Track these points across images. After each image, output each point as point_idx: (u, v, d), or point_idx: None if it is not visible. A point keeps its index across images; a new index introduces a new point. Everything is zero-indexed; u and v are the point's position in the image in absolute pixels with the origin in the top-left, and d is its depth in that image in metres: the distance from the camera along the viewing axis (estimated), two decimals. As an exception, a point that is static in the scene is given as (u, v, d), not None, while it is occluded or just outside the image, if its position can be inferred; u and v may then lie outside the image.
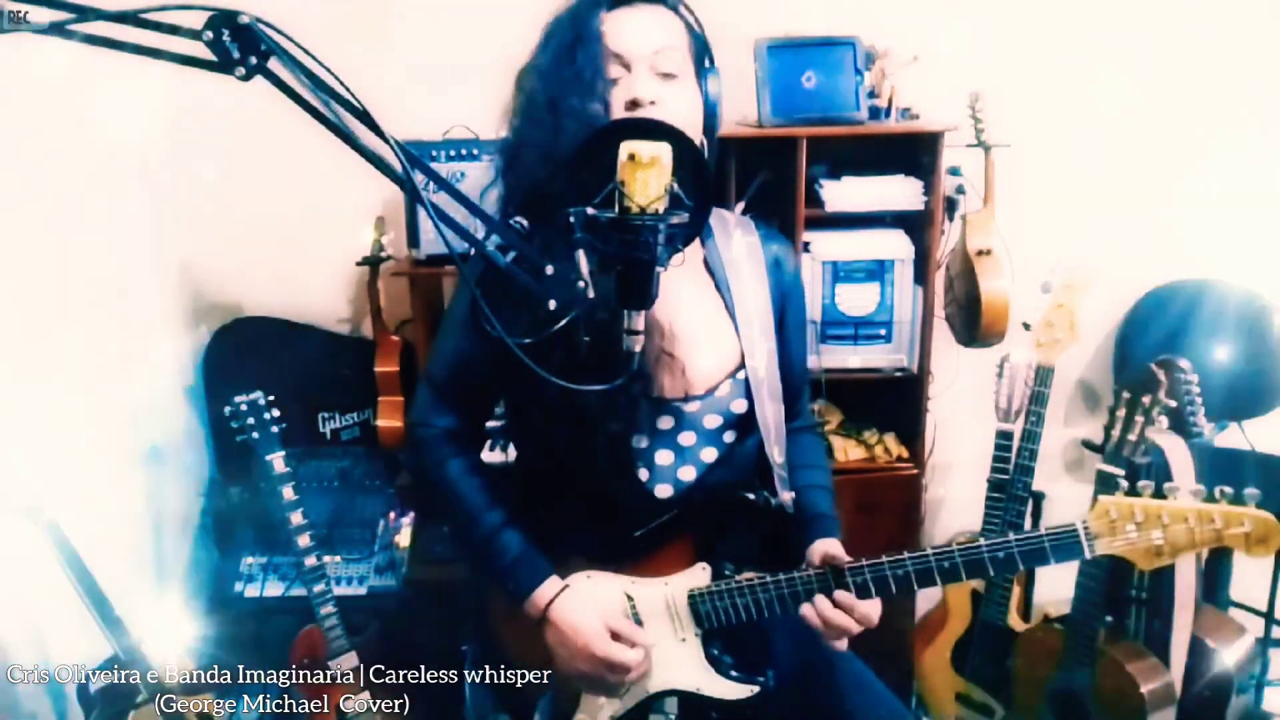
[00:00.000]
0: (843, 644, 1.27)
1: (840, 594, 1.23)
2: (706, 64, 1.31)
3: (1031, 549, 1.17)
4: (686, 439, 1.35)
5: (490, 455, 2.25)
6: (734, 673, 1.32)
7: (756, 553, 1.41)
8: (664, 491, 1.35)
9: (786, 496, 1.37)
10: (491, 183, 1.31)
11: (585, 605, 1.30)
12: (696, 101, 1.29)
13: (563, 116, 1.21)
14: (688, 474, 1.36)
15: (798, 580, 1.26)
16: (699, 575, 1.31)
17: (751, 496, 1.32)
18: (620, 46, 1.24)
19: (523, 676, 1.38)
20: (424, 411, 1.41)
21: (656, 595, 1.32)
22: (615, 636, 1.28)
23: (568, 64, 1.22)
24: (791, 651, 1.38)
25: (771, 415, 1.37)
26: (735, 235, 1.43)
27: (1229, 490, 1.10)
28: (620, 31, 1.25)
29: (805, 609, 1.25)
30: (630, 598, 1.32)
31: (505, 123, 1.31)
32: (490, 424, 1.54)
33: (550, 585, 1.31)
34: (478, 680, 1.46)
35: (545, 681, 1.36)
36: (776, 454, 1.37)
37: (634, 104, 1.22)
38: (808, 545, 1.34)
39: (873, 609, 1.25)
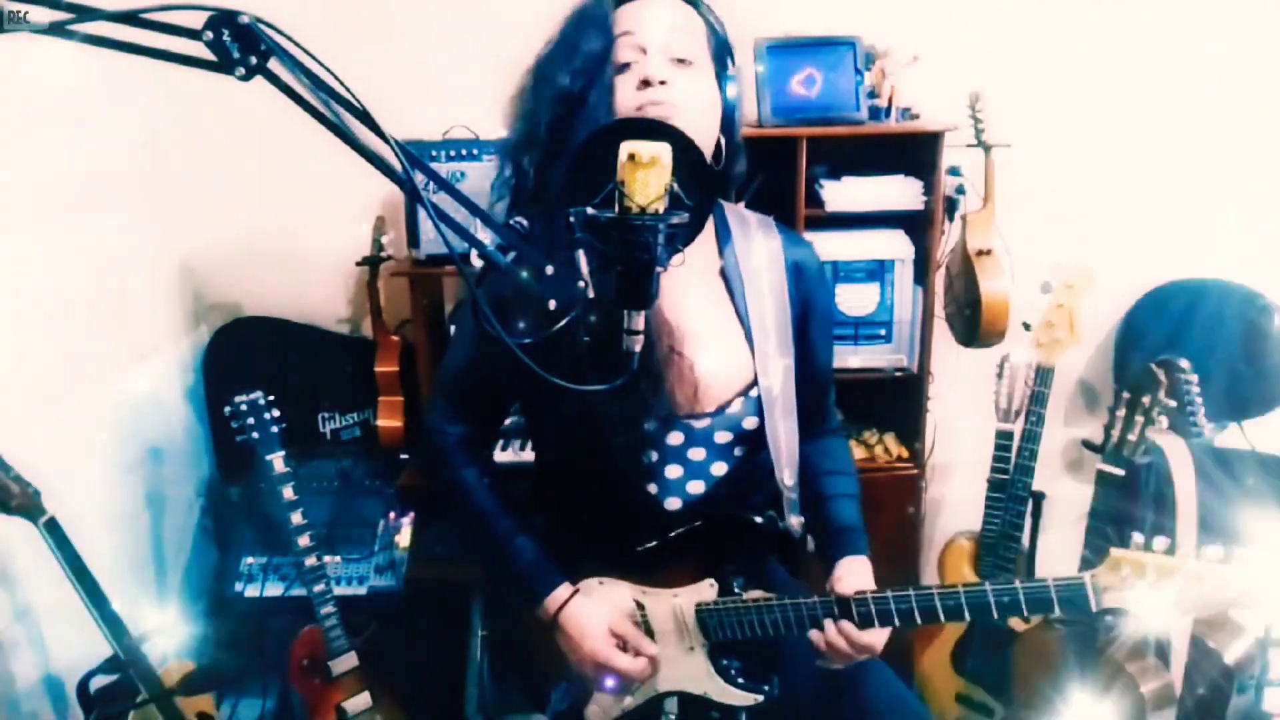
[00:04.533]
0: (837, 666, 1.28)
1: (844, 623, 1.24)
2: (728, 64, 1.30)
3: (1037, 597, 1.17)
4: (696, 454, 1.35)
5: (502, 455, 2.26)
6: (741, 680, 1.33)
7: (764, 571, 1.42)
8: (673, 504, 1.36)
9: (794, 521, 1.36)
10: (503, 182, 1.29)
11: (592, 612, 1.31)
12: (713, 93, 1.27)
13: (577, 108, 1.20)
14: (697, 487, 1.36)
15: (803, 606, 1.27)
16: (706, 591, 1.32)
17: (759, 520, 1.32)
18: (633, 29, 1.23)
19: (540, 665, 1.40)
20: (437, 419, 1.42)
21: (665, 606, 1.33)
22: (621, 641, 1.30)
23: (581, 55, 1.21)
24: (811, 654, 1.38)
25: (784, 435, 1.35)
26: (756, 240, 1.39)
27: (1247, 554, 1.08)
28: (633, 17, 1.24)
29: (813, 633, 1.27)
30: (641, 606, 1.33)
31: (516, 113, 1.28)
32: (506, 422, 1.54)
33: (560, 591, 1.32)
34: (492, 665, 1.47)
35: (561, 668, 1.37)
36: (787, 476, 1.35)
37: (645, 83, 1.20)
38: (835, 559, 1.34)
39: (876, 639, 1.26)
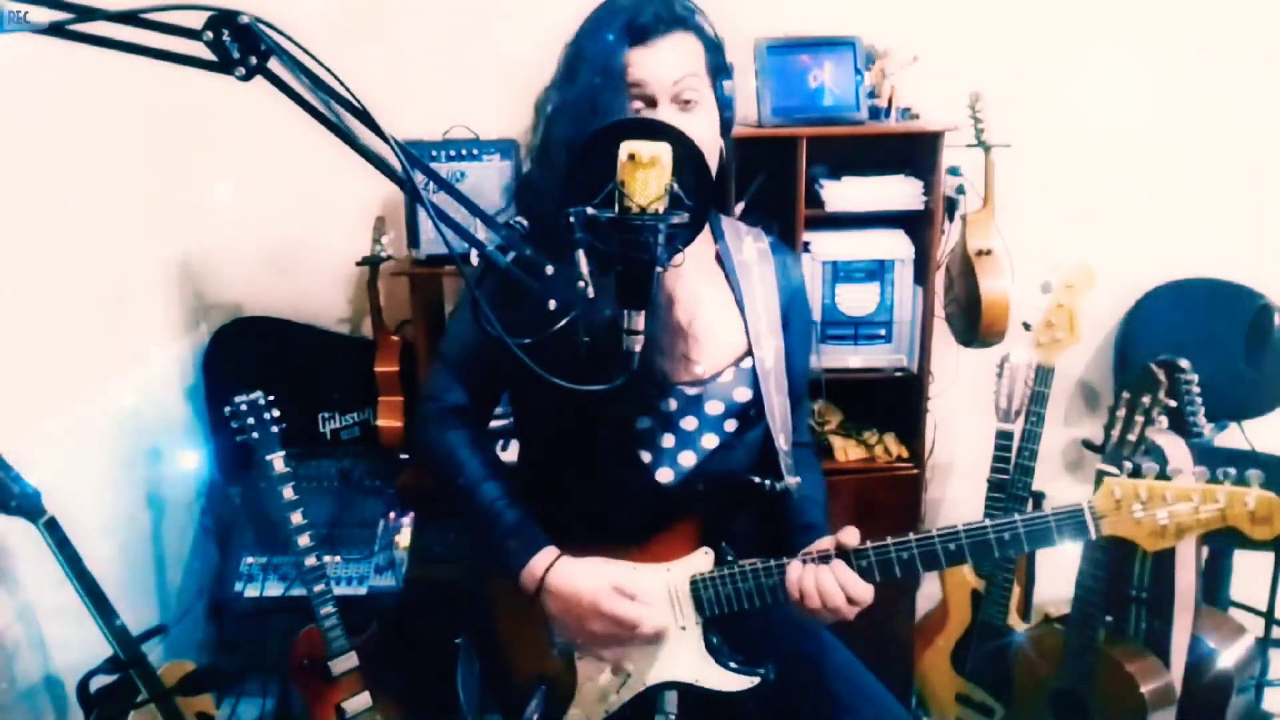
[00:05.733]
0: (819, 616, 1.23)
1: (839, 565, 1.21)
2: (723, 69, 1.34)
3: (1037, 529, 1.16)
4: (689, 424, 1.36)
5: (502, 455, 2.26)
6: (733, 664, 1.31)
7: (760, 539, 1.42)
8: (665, 476, 1.37)
9: (792, 481, 1.37)
10: (505, 208, 1.33)
11: (585, 568, 1.29)
12: (715, 118, 1.33)
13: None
14: (688, 459, 1.37)
15: (801, 560, 1.25)
16: (702, 560, 1.31)
17: (757, 480, 1.34)
18: (643, 80, 1.27)
19: (516, 670, 1.39)
20: (435, 387, 1.44)
21: (658, 581, 1.31)
22: (623, 593, 1.28)
23: (593, 105, 1.24)
24: (785, 644, 1.38)
25: (778, 405, 1.39)
26: (746, 240, 1.47)
27: (1232, 471, 1.10)
28: (643, 66, 1.27)
29: (804, 576, 1.22)
30: None
31: (526, 155, 1.34)
32: (495, 424, 1.54)
33: (546, 554, 1.30)
34: (471, 673, 1.47)
35: (540, 673, 1.36)
36: (783, 440, 1.39)
37: None
38: (797, 551, 1.32)
39: (867, 591, 1.22)
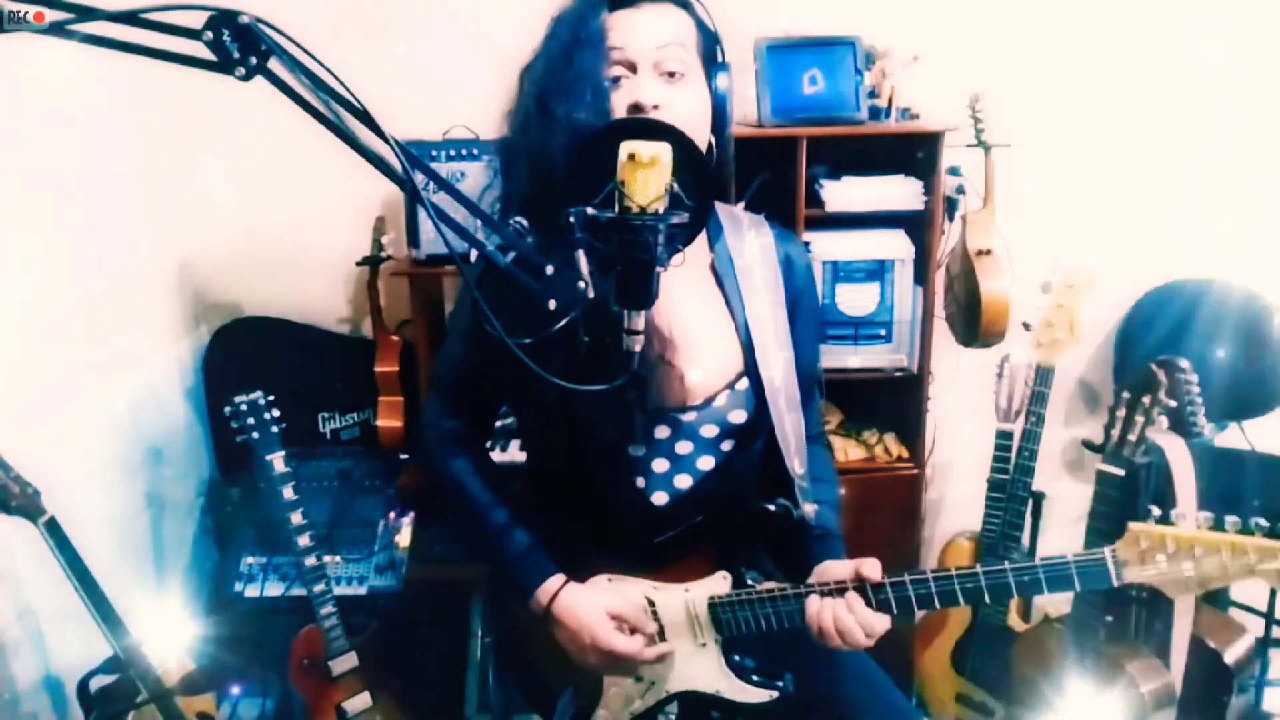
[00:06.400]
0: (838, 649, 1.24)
1: (853, 597, 1.21)
2: (718, 59, 1.28)
3: (1057, 575, 1.15)
4: (683, 448, 1.34)
5: (501, 456, 2.26)
6: (755, 677, 1.31)
7: (777, 563, 1.40)
8: (660, 499, 1.34)
9: (809, 508, 1.34)
10: (489, 184, 1.30)
11: (587, 598, 1.29)
12: (704, 101, 1.26)
13: (562, 120, 1.18)
14: (683, 482, 1.34)
15: (819, 593, 1.25)
16: (719, 584, 1.31)
17: (771, 508, 1.31)
18: (623, 45, 1.21)
19: (544, 672, 1.39)
20: (432, 415, 1.43)
21: (677, 601, 1.31)
22: (622, 625, 1.28)
23: (569, 66, 1.20)
24: (801, 647, 1.38)
25: (790, 426, 1.34)
26: (749, 237, 1.39)
27: (1264, 523, 1.07)
28: (623, 30, 1.22)
29: (822, 612, 1.22)
30: (651, 602, 1.32)
31: (505, 122, 1.28)
32: (496, 424, 1.54)
33: (552, 582, 1.31)
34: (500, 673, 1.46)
35: (566, 674, 1.36)
36: (797, 465, 1.35)
37: (636, 108, 1.19)
38: (813, 563, 1.33)
39: (882, 622, 1.22)
